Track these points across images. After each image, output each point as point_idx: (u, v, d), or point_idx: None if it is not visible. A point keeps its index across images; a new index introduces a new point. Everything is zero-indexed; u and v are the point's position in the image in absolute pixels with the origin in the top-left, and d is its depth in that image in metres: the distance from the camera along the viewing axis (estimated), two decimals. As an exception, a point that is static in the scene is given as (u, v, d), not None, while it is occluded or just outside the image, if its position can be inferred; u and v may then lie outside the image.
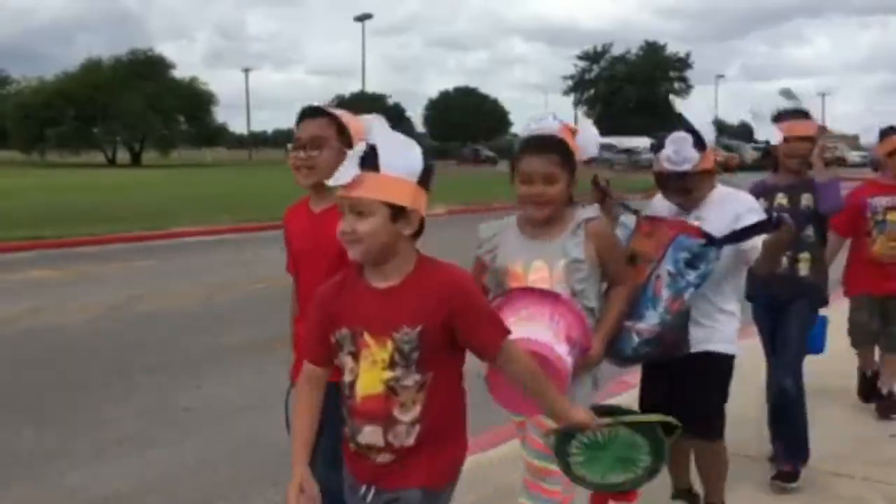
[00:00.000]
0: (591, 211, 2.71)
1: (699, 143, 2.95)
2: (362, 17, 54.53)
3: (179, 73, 62.69)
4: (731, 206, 3.02)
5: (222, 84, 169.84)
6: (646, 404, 3.19)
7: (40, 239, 13.12)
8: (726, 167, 45.59)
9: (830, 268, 4.15)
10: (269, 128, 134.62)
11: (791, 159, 3.78)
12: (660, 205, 3.24)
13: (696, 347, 2.93)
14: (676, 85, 58.60)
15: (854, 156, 52.73)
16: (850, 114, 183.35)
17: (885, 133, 4.55)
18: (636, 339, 2.79)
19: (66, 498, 3.84)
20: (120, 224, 14.98)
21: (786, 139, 3.80)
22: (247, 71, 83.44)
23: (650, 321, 2.79)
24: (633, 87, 56.02)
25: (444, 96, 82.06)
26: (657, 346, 2.81)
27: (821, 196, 3.72)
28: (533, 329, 2.38)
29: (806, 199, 3.74)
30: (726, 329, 3.06)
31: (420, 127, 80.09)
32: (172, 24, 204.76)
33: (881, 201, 4.58)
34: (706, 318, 3.02)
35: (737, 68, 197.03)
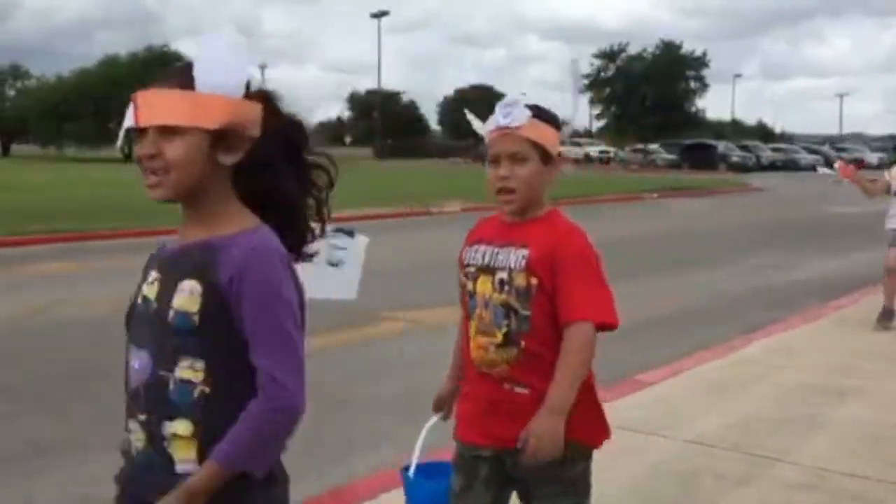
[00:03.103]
0: None
1: None
2: (378, 14, 54.65)
3: (196, 69, 63.08)
4: None
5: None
6: None
7: (58, 233, 13.23)
8: (743, 166, 45.47)
9: None
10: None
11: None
12: None
13: None
14: (693, 84, 58.34)
15: (873, 157, 52.33)
16: (869, 114, 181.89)
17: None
18: None
19: (85, 489, 3.88)
20: (136, 219, 15.06)
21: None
22: (262, 67, 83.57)
23: None
24: (649, 86, 55.81)
25: (460, 94, 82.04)
26: None
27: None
28: None
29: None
30: None
31: (434, 124, 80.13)
32: (190, 21, 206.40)
33: (476, 254, 2.31)
34: None
35: (755, 67, 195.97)
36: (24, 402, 5.15)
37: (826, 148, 58.44)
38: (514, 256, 2.21)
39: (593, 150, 59.32)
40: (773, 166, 48.96)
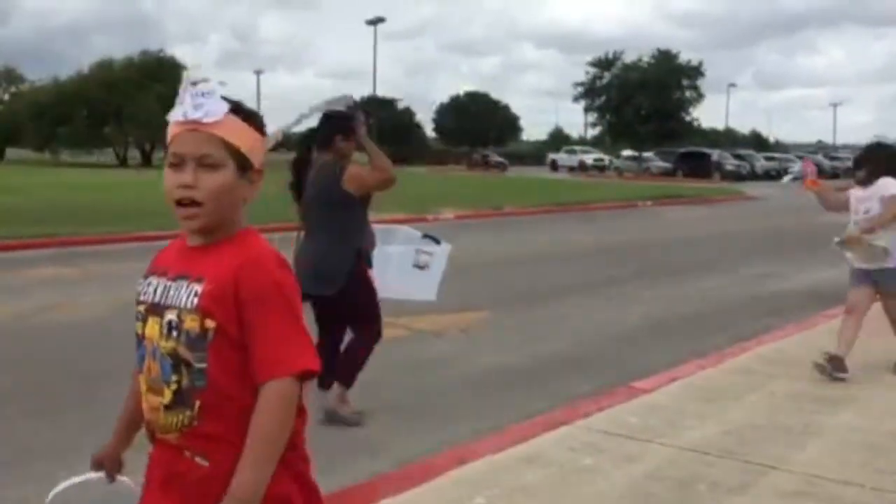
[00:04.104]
0: None
1: None
2: (374, 21, 54.68)
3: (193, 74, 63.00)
4: None
5: (234, 86, 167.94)
6: None
7: (53, 237, 13.19)
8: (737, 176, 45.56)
9: None
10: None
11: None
12: None
13: None
14: (688, 93, 58.33)
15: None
16: (862, 124, 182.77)
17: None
18: None
19: (78, 493, 3.87)
20: (132, 223, 15.05)
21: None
22: (258, 73, 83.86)
23: None
24: (644, 95, 55.84)
25: (455, 101, 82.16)
26: None
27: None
28: None
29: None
30: None
31: (429, 131, 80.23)
32: (187, 26, 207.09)
33: (149, 288, 1.82)
34: None
35: (749, 77, 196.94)
36: (17, 405, 5.14)
37: (820, 157, 58.61)
38: (186, 292, 1.70)
39: (588, 158, 59.44)
40: (767, 175, 49.11)
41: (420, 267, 4.57)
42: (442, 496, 3.58)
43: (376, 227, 4.79)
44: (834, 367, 5.45)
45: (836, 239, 5.73)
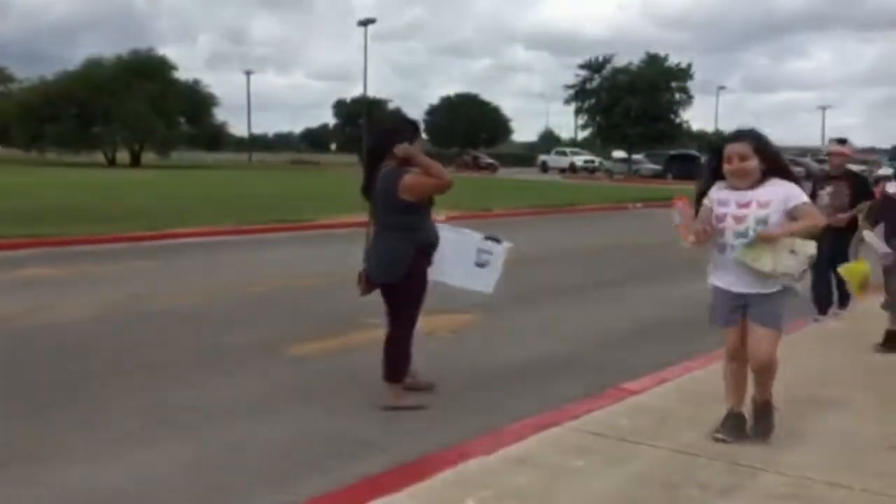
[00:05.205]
0: None
1: None
2: (365, 22, 54.65)
3: (183, 74, 62.77)
4: None
5: (224, 86, 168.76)
6: None
7: (40, 237, 13.12)
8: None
9: None
10: (270, 131, 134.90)
11: None
12: None
13: None
14: (678, 95, 58.46)
15: (857, 169, 52.62)
16: (850, 127, 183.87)
17: None
18: None
19: (63, 497, 3.83)
20: (120, 224, 14.99)
21: None
22: (248, 73, 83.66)
23: None
24: (634, 97, 55.93)
25: (446, 102, 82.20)
26: None
27: None
28: None
29: None
30: None
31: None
32: (178, 26, 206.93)
33: None
34: None
35: (738, 80, 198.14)
36: (5, 407, 5.10)
37: (808, 159, 58.87)
38: None
39: (578, 160, 59.56)
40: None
41: (480, 265, 5.33)
42: (433, 498, 3.57)
43: (441, 226, 5.28)
44: (763, 431, 4.39)
45: (741, 241, 4.18)
